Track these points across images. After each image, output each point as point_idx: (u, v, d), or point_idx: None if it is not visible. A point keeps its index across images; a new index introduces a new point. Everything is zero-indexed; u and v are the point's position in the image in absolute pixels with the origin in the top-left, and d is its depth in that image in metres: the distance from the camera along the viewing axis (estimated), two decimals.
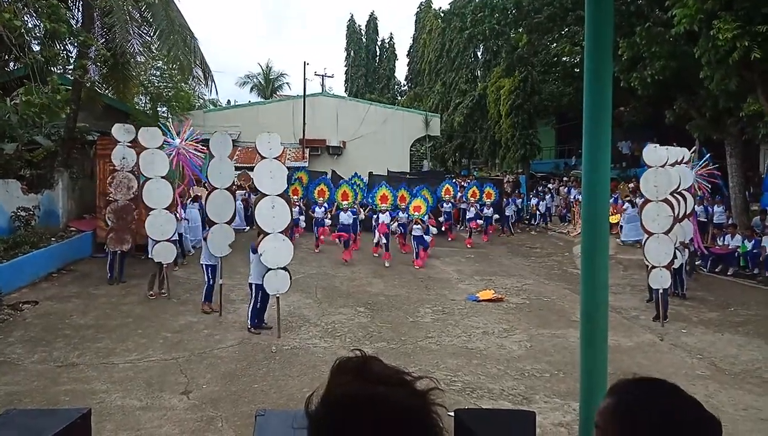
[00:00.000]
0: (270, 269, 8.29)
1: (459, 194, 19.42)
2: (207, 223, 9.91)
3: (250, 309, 8.58)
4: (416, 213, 14.10)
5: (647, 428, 1.12)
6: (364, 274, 12.76)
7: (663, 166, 9.36)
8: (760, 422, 5.75)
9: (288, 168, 21.12)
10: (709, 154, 12.67)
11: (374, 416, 0.92)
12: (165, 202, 10.34)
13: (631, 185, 18.88)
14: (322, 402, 0.96)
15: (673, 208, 9.32)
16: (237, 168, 17.31)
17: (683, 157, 10.49)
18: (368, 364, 1.00)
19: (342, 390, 0.96)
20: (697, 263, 12.75)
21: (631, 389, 1.20)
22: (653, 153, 9.43)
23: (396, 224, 14.32)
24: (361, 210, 15.51)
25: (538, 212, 22.26)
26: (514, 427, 2.40)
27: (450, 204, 18.44)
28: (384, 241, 13.88)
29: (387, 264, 13.61)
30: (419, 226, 13.90)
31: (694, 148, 12.22)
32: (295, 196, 16.42)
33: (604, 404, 1.22)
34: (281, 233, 8.45)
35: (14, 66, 13.24)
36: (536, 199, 23.04)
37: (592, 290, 2.22)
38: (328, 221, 14.85)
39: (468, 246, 16.82)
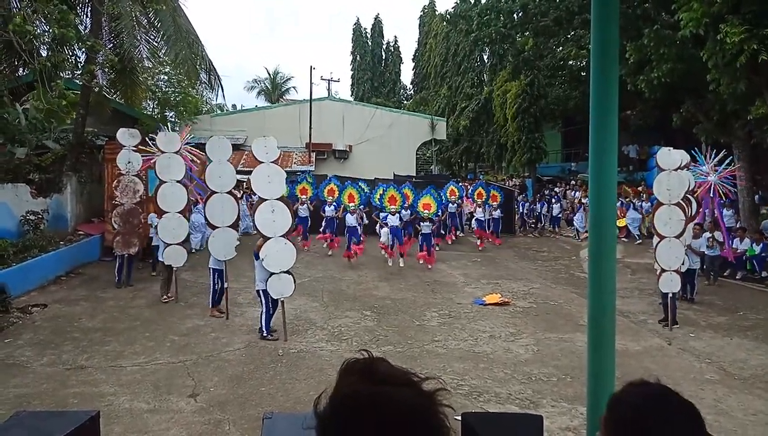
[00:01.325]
0: (273, 274, 8.30)
1: (463, 197, 19.39)
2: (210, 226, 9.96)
3: (264, 316, 8.47)
4: (426, 211, 14.08)
5: None
6: (370, 277, 12.76)
7: (677, 169, 9.33)
8: None
9: (294, 172, 21.23)
10: (731, 158, 12.60)
11: (380, 416, 0.93)
12: (179, 205, 10.39)
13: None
14: (330, 402, 0.97)
15: (685, 212, 9.28)
16: (243, 172, 17.39)
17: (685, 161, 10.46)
18: (375, 365, 1.01)
19: (348, 390, 0.97)
20: (704, 266, 12.65)
21: (625, 399, 1.23)
22: (667, 156, 9.39)
23: (397, 218, 14.08)
24: (363, 215, 15.50)
25: (550, 216, 21.99)
26: (521, 431, 2.40)
27: (455, 205, 18.40)
28: (393, 242, 13.82)
29: (391, 263, 13.66)
30: (428, 223, 13.93)
31: (729, 157, 12.18)
32: (304, 196, 16.48)
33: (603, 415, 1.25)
34: (283, 236, 8.47)
35: (23, 71, 13.37)
36: (541, 202, 22.81)
37: (599, 294, 2.23)
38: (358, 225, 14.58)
39: (480, 248, 16.77)
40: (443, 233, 17.60)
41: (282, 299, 8.47)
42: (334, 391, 0.98)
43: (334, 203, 15.61)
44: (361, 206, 15.28)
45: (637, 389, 1.23)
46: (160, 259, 10.54)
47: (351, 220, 14.15)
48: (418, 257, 13.94)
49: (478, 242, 17.12)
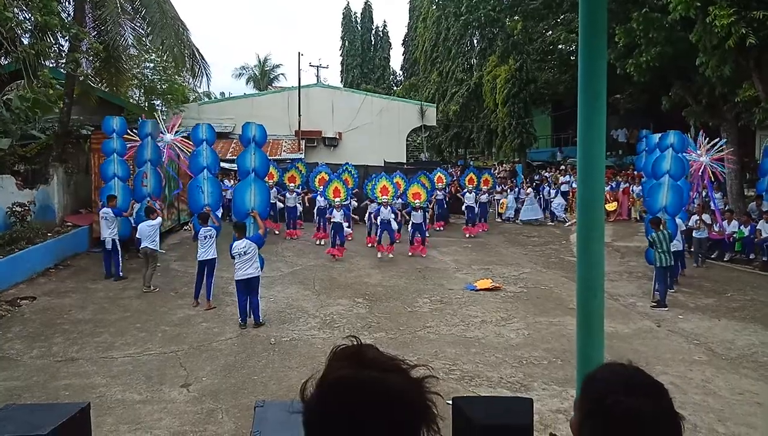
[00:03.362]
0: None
1: (451, 182, 19.36)
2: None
3: (257, 303, 8.51)
4: (416, 200, 13.91)
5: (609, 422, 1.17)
6: (362, 265, 12.77)
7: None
8: (756, 406, 5.79)
9: (284, 160, 21.12)
10: (722, 140, 12.72)
11: (368, 401, 0.93)
12: None
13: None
14: (317, 388, 0.97)
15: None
16: (231, 160, 17.29)
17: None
18: (363, 351, 1.01)
19: (336, 375, 0.97)
20: (692, 249, 12.78)
21: (596, 377, 1.26)
22: None
23: (390, 211, 13.69)
24: (354, 202, 15.25)
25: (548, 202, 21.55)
26: (512, 414, 2.41)
27: (442, 193, 18.31)
28: (382, 235, 13.49)
29: (380, 256, 13.27)
30: (419, 213, 13.76)
31: (723, 140, 12.38)
32: (292, 184, 16.32)
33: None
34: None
35: (5, 60, 13.14)
36: (542, 187, 22.57)
37: (588, 278, 2.23)
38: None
39: (468, 235, 16.75)
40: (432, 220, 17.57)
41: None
42: (321, 377, 0.98)
43: (322, 193, 15.46)
44: (348, 200, 14.87)
45: (607, 369, 1.26)
46: (148, 246, 10.38)
47: (338, 216, 13.39)
48: (410, 250, 13.61)
49: (471, 227, 17.04)
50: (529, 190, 20.84)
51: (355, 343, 1.04)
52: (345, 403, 0.93)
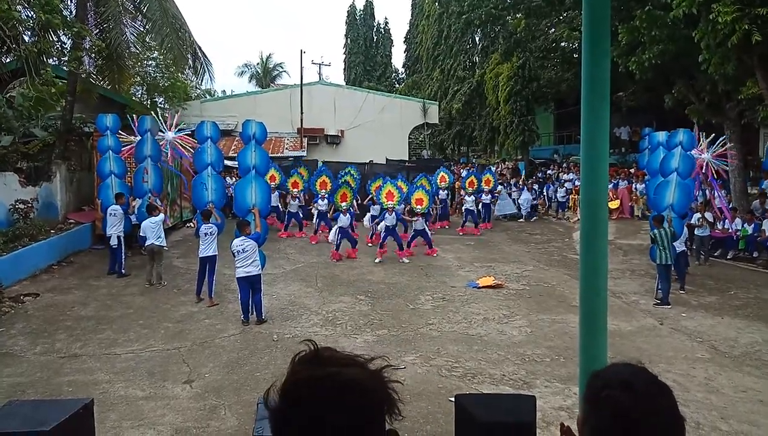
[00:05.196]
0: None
1: (454, 183, 19.33)
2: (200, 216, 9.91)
3: (260, 300, 8.58)
4: (419, 206, 13.83)
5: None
6: (364, 262, 12.77)
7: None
8: (759, 404, 5.78)
9: (287, 158, 21.08)
10: (724, 136, 12.68)
11: (325, 394, 0.95)
12: None
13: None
14: (281, 391, 0.99)
15: None
16: (232, 158, 17.30)
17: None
18: (321, 352, 1.04)
19: (294, 378, 0.99)
20: (694, 247, 12.75)
21: (600, 375, 1.28)
22: None
23: (395, 217, 13.53)
24: (355, 205, 15.15)
25: (556, 200, 21.50)
26: (514, 411, 2.40)
27: (446, 192, 18.28)
28: (386, 239, 13.30)
29: (407, 260, 12.98)
30: (420, 219, 13.67)
31: (723, 137, 12.37)
32: (295, 190, 16.32)
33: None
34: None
35: (7, 59, 13.14)
36: (547, 185, 22.55)
37: (591, 275, 2.22)
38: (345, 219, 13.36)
39: (461, 234, 16.76)
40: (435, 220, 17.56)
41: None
42: (283, 382, 1.00)
43: (327, 198, 15.40)
44: (353, 205, 14.67)
45: (611, 368, 1.28)
46: (155, 243, 10.40)
47: (344, 220, 13.16)
48: (399, 254, 13.21)
49: (473, 228, 17.05)
50: (500, 187, 20.62)
51: (312, 348, 1.05)
52: (304, 401, 0.95)
